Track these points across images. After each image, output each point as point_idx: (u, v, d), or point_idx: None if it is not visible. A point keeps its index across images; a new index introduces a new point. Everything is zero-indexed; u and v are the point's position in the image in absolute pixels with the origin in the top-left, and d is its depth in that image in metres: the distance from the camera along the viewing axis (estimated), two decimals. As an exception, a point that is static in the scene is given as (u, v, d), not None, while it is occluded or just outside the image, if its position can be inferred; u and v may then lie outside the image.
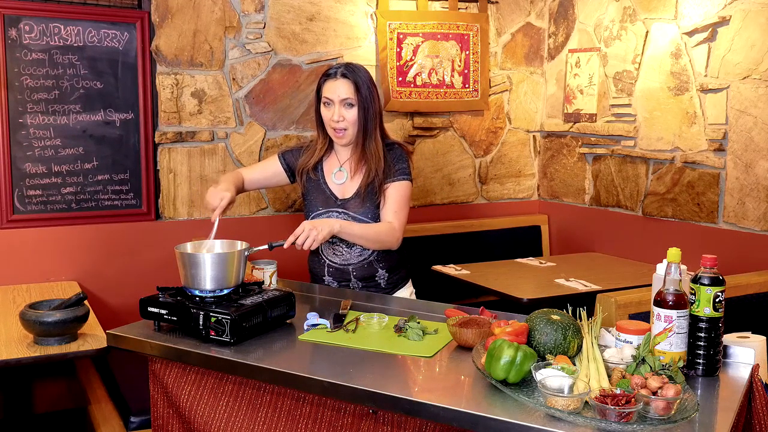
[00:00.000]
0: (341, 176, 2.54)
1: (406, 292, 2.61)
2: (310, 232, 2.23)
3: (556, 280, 3.34)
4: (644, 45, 3.75)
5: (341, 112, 2.42)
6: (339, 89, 2.42)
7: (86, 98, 3.32)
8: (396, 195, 2.47)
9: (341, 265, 2.52)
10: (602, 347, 1.82)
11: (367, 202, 2.47)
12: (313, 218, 2.52)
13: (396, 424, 1.73)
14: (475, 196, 4.34)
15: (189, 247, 2.20)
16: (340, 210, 2.48)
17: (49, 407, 3.37)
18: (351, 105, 2.42)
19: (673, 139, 3.64)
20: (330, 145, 2.56)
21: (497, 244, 4.23)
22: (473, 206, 4.34)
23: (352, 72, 2.44)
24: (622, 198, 3.95)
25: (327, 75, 2.46)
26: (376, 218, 2.47)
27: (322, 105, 2.48)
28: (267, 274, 2.39)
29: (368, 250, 2.49)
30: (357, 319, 2.15)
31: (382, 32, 3.91)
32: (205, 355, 1.92)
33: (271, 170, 2.64)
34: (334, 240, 2.50)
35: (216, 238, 2.27)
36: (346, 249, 2.50)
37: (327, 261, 2.54)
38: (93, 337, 2.42)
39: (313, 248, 2.25)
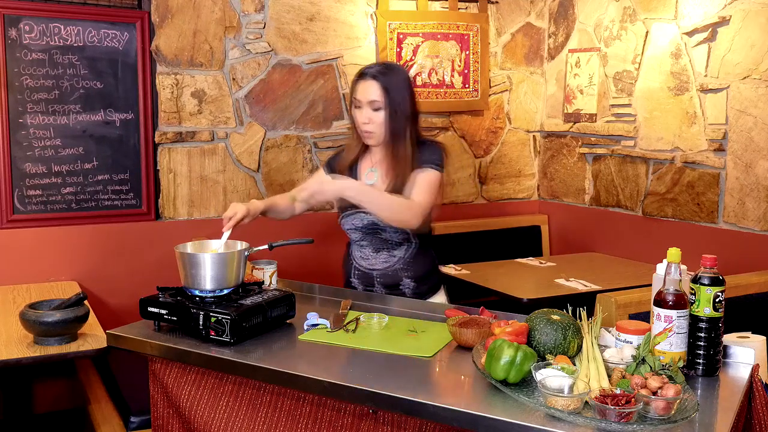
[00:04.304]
0: (372, 177, 2.47)
1: (437, 300, 2.52)
2: (315, 196, 2.27)
3: (556, 280, 3.34)
4: (644, 45, 3.75)
5: (369, 115, 2.37)
6: (367, 91, 2.36)
7: (86, 98, 3.32)
8: (421, 180, 2.35)
9: (367, 269, 2.48)
10: (602, 347, 1.82)
11: None
12: (344, 218, 2.48)
13: (396, 424, 1.73)
14: (475, 196, 4.34)
15: (189, 247, 2.20)
16: (367, 210, 2.41)
17: (49, 407, 3.37)
18: (379, 108, 2.36)
19: (673, 139, 3.64)
20: (367, 145, 2.49)
21: (497, 244, 4.23)
22: (473, 206, 4.34)
23: (384, 74, 2.36)
24: (622, 198, 3.95)
25: (360, 75, 2.40)
26: None
27: (353, 106, 2.42)
28: (267, 274, 2.38)
29: (394, 257, 2.44)
30: (357, 319, 2.15)
31: (382, 32, 3.91)
32: (205, 355, 1.92)
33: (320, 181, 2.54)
34: (363, 243, 2.47)
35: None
36: (372, 253, 2.46)
37: (355, 264, 2.51)
38: (93, 337, 2.42)
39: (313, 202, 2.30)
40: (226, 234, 2.25)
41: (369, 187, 2.35)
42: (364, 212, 2.41)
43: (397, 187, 2.38)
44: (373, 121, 2.37)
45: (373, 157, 2.49)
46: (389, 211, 2.31)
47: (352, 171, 2.51)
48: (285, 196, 2.55)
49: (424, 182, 2.36)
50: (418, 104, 2.48)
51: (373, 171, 2.48)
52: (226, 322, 1.94)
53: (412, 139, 2.41)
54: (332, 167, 2.57)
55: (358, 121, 2.40)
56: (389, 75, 2.38)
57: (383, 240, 2.44)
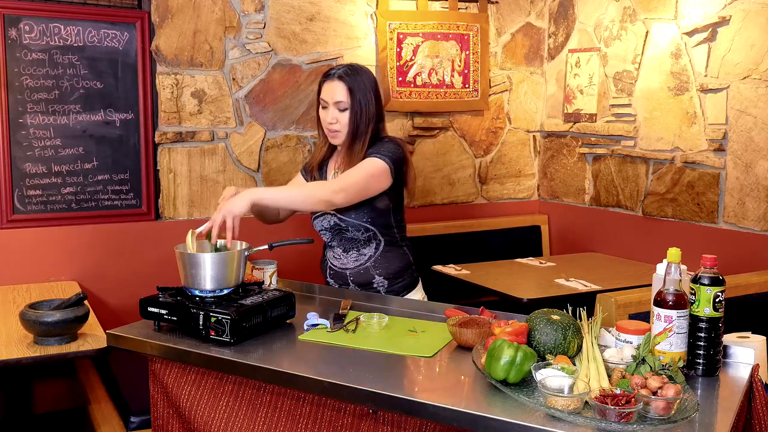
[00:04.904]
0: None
1: (416, 297, 2.53)
2: (226, 218, 2.14)
3: (556, 280, 3.34)
4: (644, 45, 3.75)
5: (334, 115, 2.40)
6: (333, 92, 2.39)
7: (86, 98, 3.32)
8: (358, 167, 2.35)
9: (340, 269, 2.50)
10: (602, 347, 1.82)
11: (355, 205, 2.39)
12: (314, 220, 2.52)
13: (396, 424, 1.73)
14: (475, 196, 4.34)
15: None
16: (331, 212, 2.44)
17: (49, 407, 3.37)
18: (344, 108, 2.39)
19: (673, 139, 3.64)
20: (333, 146, 2.53)
21: (497, 244, 4.23)
22: (473, 206, 4.34)
23: (350, 75, 2.40)
24: (622, 198, 3.95)
25: (326, 75, 2.44)
26: (361, 218, 2.41)
27: (319, 106, 2.46)
28: (267, 274, 2.38)
29: (364, 255, 2.46)
30: (357, 319, 2.15)
31: (382, 32, 3.91)
32: (205, 355, 1.92)
33: (296, 185, 2.62)
34: (333, 244, 2.50)
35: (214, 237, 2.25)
36: (342, 253, 2.49)
37: (329, 263, 2.54)
38: (93, 337, 2.42)
39: (236, 229, 2.15)
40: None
41: (273, 188, 2.40)
42: (330, 213, 2.45)
43: None
44: (339, 121, 2.40)
45: (338, 159, 2.51)
46: (300, 196, 2.35)
47: (320, 172, 2.56)
48: None
49: (358, 166, 2.37)
50: (383, 106, 2.51)
51: (338, 172, 2.50)
52: (226, 322, 1.94)
53: (370, 139, 2.43)
54: (307, 170, 2.62)
55: (324, 120, 2.44)
56: (354, 76, 2.40)
57: (350, 239, 2.46)
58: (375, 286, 2.48)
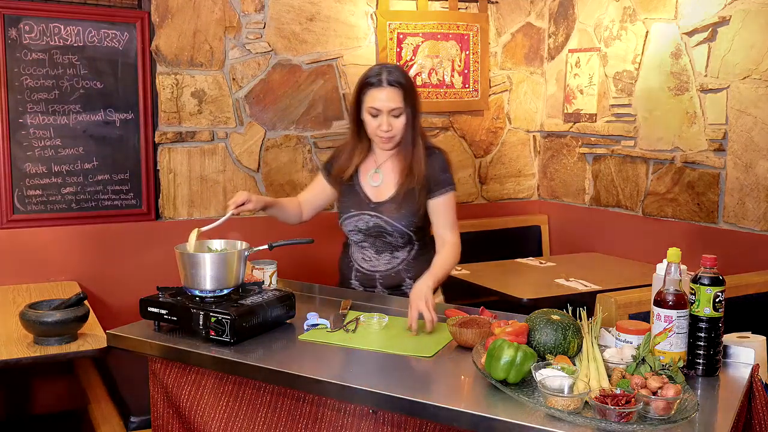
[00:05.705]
0: (377, 178, 2.44)
1: (435, 300, 2.54)
2: (426, 309, 2.10)
3: (556, 280, 3.34)
4: (644, 45, 3.75)
5: (390, 122, 2.33)
6: (387, 99, 2.31)
7: (86, 98, 3.32)
8: (448, 208, 2.41)
9: (369, 271, 2.47)
10: (602, 347, 1.82)
11: (403, 208, 2.37)
12: (345, 220, 2.45)
13: (396, 424, 1.73)
14: (475, 196, 4.34)
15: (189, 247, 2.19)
16: (372, 213, 2.40)
17: (49, 407, 3.37)
18: (400, 114, 2.33)
19: (673, 139, 3.64)
20: (369, 147, 2.47)
21: (497, 244, 4.23)
22: (473, 206, 4.33)
23: (398, 78, 2.32)
24: (622, 198, 3.95)
25: (370, 83, 2.33)
26: (410, 225, 2.38)
27: (366, 114, 2.36)
28: (267, 274, 2.38)
29: (397, 258, 2.43)
30: (357, 319, 2.15)
31: (382, 32, 3.92)
32: (205, 355, 1.92)
33: (318, 186, 2.57)
34: (364, 245, 2.46)
35: (217, 236, 2.26)
36: (374, 255, 2.45)
37: (355, 265, 2.49)
38: (93, 337, 2.43)
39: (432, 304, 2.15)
40: (228, 214, 2.27)
41: (440, 266, 2.34)
42: (369, 214, 2.41)
43: (409, 189, 2.38)
44: (395, 127, 2.34)
45: (377, 159, 2.47)
46: (455, 260, 2.41)
47: (352, 177, 2.48)
48: (293, 200, 2.58)
49: (451, 211, 2.43)
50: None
51: (378, 172, 2.45)
52: (226, 322, 1.94)
53: (423, 139, 2.42)
54: (329, 171, 2.54)
55: (378, 128, 2.35)
56: (402, 78, 2.34)
57: (386, 242, 2.43)
58: (404, 288, 2.44)
